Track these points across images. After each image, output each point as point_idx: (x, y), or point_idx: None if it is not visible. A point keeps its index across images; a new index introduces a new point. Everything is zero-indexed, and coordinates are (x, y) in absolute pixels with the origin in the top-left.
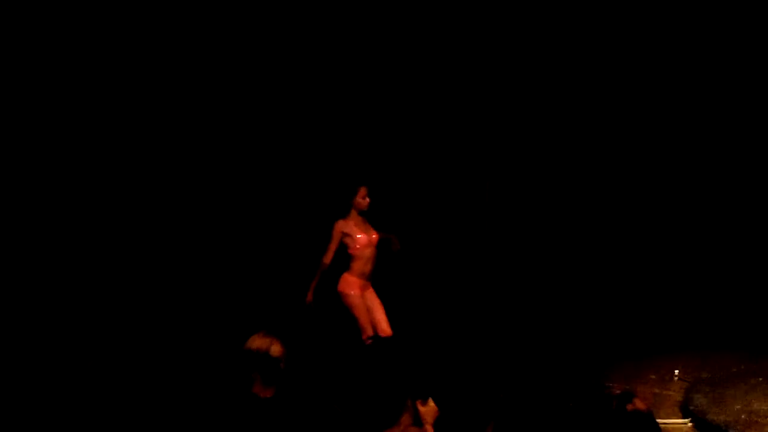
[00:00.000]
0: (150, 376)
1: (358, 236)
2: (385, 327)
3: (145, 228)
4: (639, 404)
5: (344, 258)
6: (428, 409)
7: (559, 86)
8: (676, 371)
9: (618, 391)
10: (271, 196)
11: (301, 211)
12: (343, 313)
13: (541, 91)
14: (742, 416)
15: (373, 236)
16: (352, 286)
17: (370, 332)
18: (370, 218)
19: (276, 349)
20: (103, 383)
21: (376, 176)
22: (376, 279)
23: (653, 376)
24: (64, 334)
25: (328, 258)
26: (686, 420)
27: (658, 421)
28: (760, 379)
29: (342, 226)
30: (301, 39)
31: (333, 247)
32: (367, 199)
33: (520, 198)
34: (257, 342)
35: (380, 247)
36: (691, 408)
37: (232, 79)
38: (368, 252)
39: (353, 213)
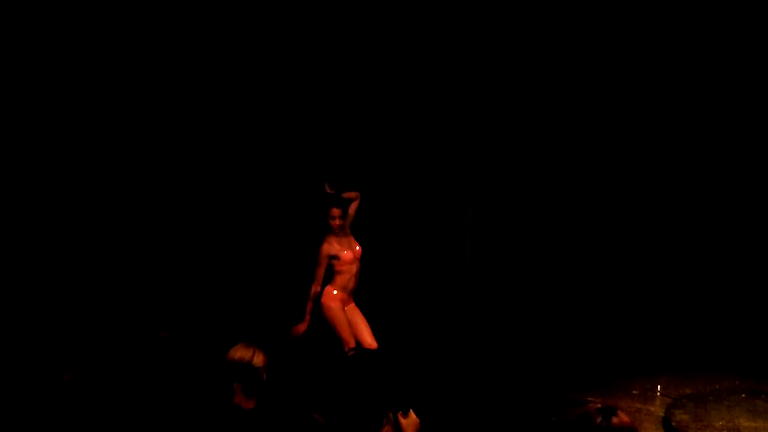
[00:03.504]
0: (131, 386)
1: (344, 254)
2: (369, 340)
3: (128, 236)
4: (624, 418)
5: (329, 272)
6: (409, 422)
7: (543, 100)
8: (659, 387)
9: (599, 406)
10: (252, 206)
11: (283, 221)
12: (325, 324)
13: (526, 106)
14: None
15: (357, 250)
16: (334, 298)
17: (352, 344)
18: (353, 230)
19: (258, 360)
20: (81, 390)
21: (361, 189)
22: (359, 293)
23: (636, 392)
24: (43, 336)
25: (318, 285)
26: None
27: None
28: (743, 395)
29: (327, 249)
30: (274, 63)
31: (321, 272)
32: (337, 221)
33: (504, 211)
34: (239, 352)
35: (366, 259)
36: (674, 424)
37: (207, 92)
38: (353, 268)
39: (332, 233)
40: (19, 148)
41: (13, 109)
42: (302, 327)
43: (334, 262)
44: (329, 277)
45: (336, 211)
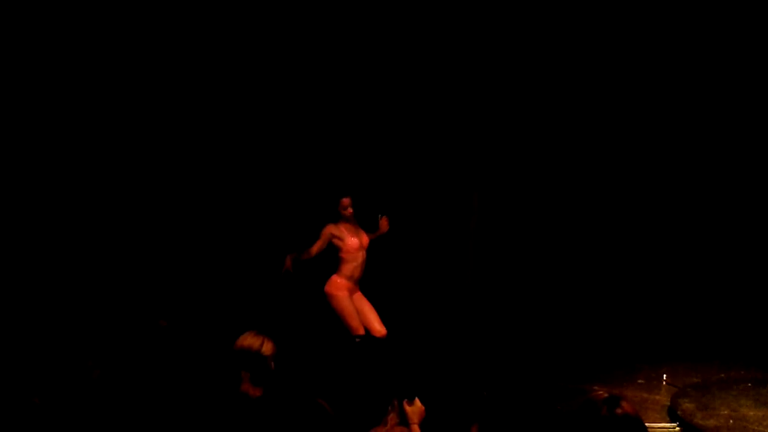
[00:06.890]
0: (138, 375)
1: (349, 239)
2: (378, 327)
3: (134, 227)
4: (627, 408)
5: (335, 261)
6: (414, 409)
7: (548, 93)
8: (664, 376)
9: (605, 395)
10: (261, 198)
11: (291, 212)
12: (332, 313)
13: (531, 98)
14: (730, 421)
15: (364, 239)
16: (339, 287)
17: (361, 332)
18: (360, 222)
19: (267, 348)
20: (91, 382)
21: (366, 181)
22: (364, 281)
23: (641, 381)
24: (55, 333)
25: (306, 254)
26: (674, 424)
27: (646, 425)
28: (749, 384)
29: (332, 228)
30: (288, 51)
31: (319, 244)
32: (350, 210)
33: (509, 200)
34: (248, 340)
35: (371, 250)
36: (679, 413)
37: (219, 84)
38: (359, 256)
39: (342, 220)
40: (20, 147)
41: (13, 109)
42: (286, 263)
43: (339, 244)
44: (335, 267)
45: (346, 201)
